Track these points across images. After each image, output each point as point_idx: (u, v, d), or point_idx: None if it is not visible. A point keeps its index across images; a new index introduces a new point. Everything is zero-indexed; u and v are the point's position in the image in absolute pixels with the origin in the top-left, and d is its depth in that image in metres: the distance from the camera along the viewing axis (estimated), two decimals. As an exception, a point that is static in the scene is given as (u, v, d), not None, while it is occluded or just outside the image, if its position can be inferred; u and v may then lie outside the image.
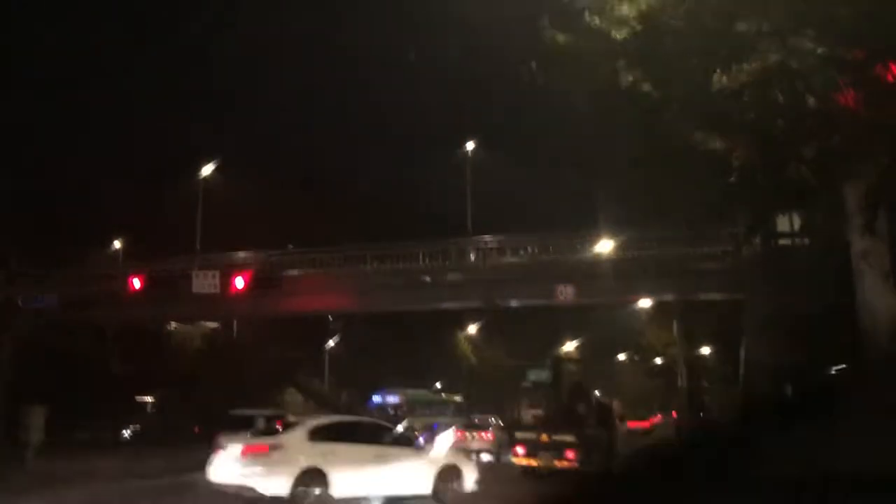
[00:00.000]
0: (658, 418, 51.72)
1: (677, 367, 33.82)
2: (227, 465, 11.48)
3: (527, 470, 16.73)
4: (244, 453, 11.37)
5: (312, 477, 11.02)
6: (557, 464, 15.93)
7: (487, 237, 26.72)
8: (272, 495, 10.89)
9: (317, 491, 11.02)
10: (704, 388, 38.11)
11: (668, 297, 28.43)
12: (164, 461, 22.69)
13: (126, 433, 33.51)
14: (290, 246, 30.06)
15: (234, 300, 27.41)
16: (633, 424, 39.31)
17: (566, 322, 67.38)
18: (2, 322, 29.21)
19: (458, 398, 43.87)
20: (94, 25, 73.08)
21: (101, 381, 30.30)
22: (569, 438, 16.25)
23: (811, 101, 8.36)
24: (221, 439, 13.05)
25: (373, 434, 12.79)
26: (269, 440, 11.55)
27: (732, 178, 9.40)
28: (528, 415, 32.57)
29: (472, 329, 54.05)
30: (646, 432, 39.17)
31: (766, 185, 9.75)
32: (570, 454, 15.85)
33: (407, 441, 13.25)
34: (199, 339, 40.58)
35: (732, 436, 4.22)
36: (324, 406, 42.98)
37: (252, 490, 10.96)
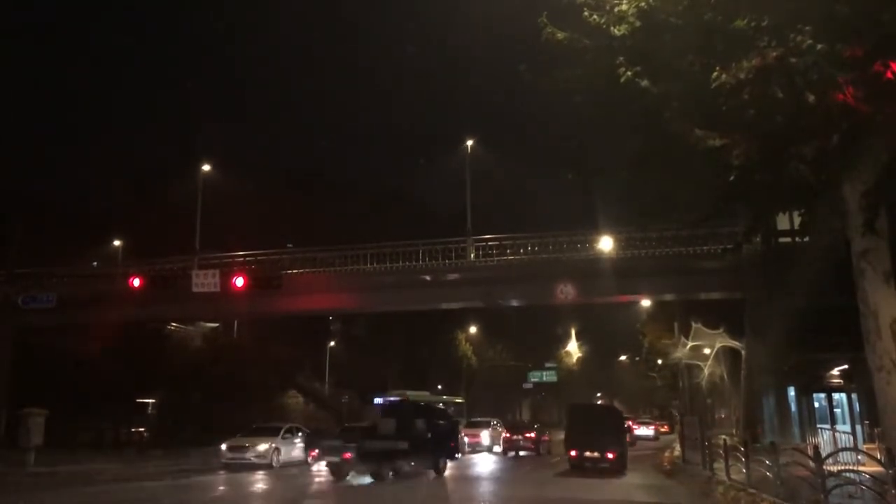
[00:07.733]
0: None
1: (678, 368, 33.78)
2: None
3: None
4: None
5: None
6: None
7: (487, 236, 26.69)
8: None
9: None
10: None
11: (669, 297, 28.41)
12: (166, 463, 22.66)
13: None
14: (290, 245, 30.03)
15: (234, 300, 27.37)
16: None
17: (566, 322, 67.45)
18: (1, 322, 29.18)
19: (458, 399, 43.85)
20: (96, 24, 73.13)
21: (102, 381, 30.19)
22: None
23: (810, 98, 8.30)
24: None
25: None
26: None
27: (732, 177, 9.33)
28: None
29: (473, 329, 53.94)
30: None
31: (765, 183, 9.68)
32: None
33: None
34: (200, 339, 40.49)
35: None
36: (325, 408, 42.88)
37: None
